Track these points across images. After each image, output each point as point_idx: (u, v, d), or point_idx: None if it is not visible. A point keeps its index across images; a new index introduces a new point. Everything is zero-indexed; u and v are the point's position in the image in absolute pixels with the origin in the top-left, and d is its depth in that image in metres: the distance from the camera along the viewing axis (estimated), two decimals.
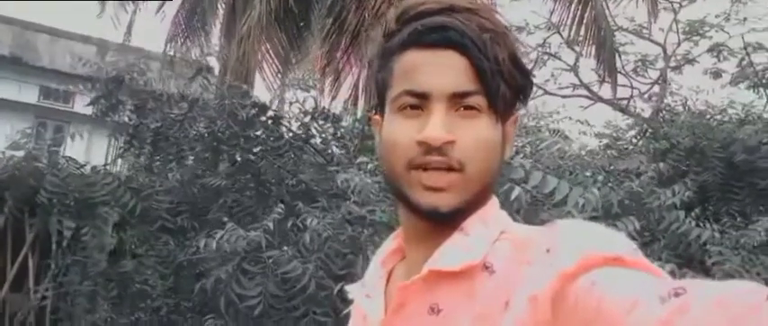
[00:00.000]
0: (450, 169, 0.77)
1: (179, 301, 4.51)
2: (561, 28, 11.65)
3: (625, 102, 13.82)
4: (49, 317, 5.23)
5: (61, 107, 15.99)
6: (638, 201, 4.17)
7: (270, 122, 4.73)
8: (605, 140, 6.93)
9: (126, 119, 5.07)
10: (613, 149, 6.29)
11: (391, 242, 0.93)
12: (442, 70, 0.78)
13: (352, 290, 0.95)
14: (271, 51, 8.91)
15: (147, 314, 4.45)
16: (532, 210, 2.55)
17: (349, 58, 7.78)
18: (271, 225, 3.55)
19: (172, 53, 10.92)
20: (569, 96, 15.23)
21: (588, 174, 4.25)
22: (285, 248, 3.63)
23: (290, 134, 4.86)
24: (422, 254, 0.81)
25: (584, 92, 15.03)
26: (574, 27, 8.38)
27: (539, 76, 15.84)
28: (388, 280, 0.90)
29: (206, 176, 4.60)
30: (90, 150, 12.94)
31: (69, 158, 5.00)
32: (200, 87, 4.73)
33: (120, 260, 4.57)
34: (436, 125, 0.76)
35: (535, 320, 0.66)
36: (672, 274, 3.16)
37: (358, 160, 3.60)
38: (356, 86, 7.64)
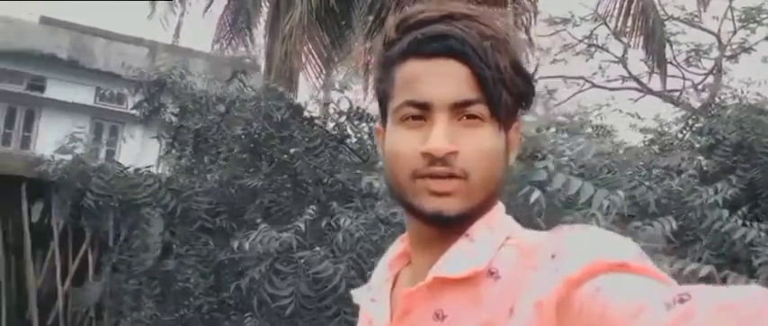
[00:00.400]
0: (453, 176, 0.77)
1: (221, 299, 4.63)
2: (608, 19, 11.37)
3: (677, 94, 13.41)
4: (106, 313, 5.48)
5: (116, 108, 16.56)
6: (678, 199, 4.05)
7: (305, 123, 4.80)
8: (650, 136, 6.74)
9: (169, 120, 5.22)
10: (657, 145, 6.11)
11: (398, 246, 0.93)
12: (442, 80, 0.78)
13: (357, 294, 0.95)
14: (313, 51, 9.00)
15: (190, 312, 4.58)
16: (554, 213, 2.51)
17: None
18: (302, 226, 3.61)
19: (218, 53, 11.16)
20: (618, 89, 14.87)
21: (629, 172, 4.16)
22: (318, 248, 3.68)
23: (325, 134, 4.91)
24: (427, 259, 0.81)
25: (634, 84, 14.65)
26: (621, 18, 8.19)
27: (585, 69, 15.52)
28: (394, 284, 0.90)
29: (244, 176, 4.69)
30: (143, 150, 13.41)
31: (114, 160, 5.19)
32: (236, 90, 4.82)
33: (163, 259, 4.72)
34: (439, 136, 0.76)
35: None
36: (710, 277, 3.07)
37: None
38: None
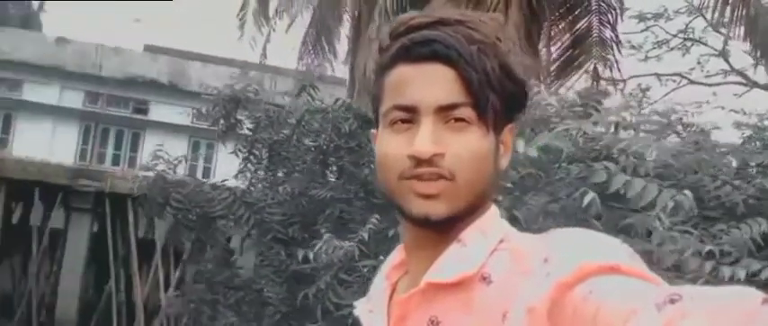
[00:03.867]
0: (440, 177, 0.77)
1: (297, 308, 4.71)
2: (704, 10, 10.70)
3: None
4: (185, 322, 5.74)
5: (212, 127, 17.37)
6: None
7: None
8: (748, 132, 6.21)
9: (245, 135, 5.41)
10: (757, 141, 5.63)
11: (396, 255, 0.93)
12: (429, 83, 0.78)
13: (358, 305, 0.96)
14: None
15: (266, 321, 4.69)
16: (614, 215, 2.36)
17: None
18: (365, 235, 3.61)
19: (303, 70, 11.43)
20: (719, 84, 13.93)
21: (715, 170, 3.85)
22: (381, 257, 3.66)
23: None
24: (422, 266, 0.81)
25: (738, 78, 13.68)
26: (718, 8, 7.68)
27: (682, 65, 14.65)
28: (392, 293, 0.90)
29: (314, 187, 4.77)
30: (236, 166, 14.01)
31: (191, 176, 5.43)
32: (304, 103, 4.92)
33: (238, 270, 4.87)
34: (425, 139, 0.76)
35: None
36: None
37: None
38: None
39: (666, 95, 13.80)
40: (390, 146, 0.80)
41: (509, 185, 2.40)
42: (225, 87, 5.39)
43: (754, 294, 0.53)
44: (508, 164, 0.89)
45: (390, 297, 0.89)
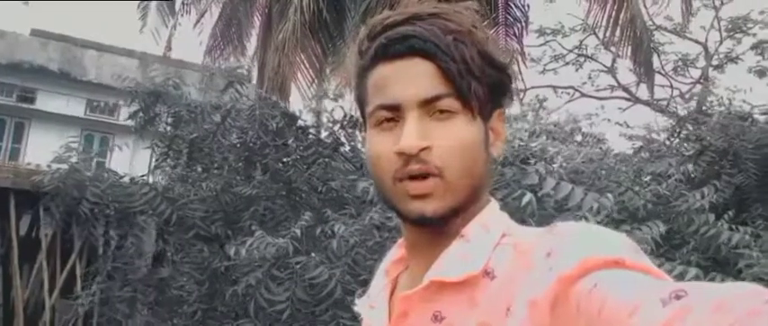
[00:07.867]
0: (430, 175, 0.77)
1: (214, 306, 4.65)
2: (597, 29, 11.51)
3: (665, 102, 13.60)
4: (96, 321, 5.48)
5: (106, 119, 16.54)
6: (666, 204, 4.13)
7: (299, 131, 4.85)
8: (638, 143, 6.83)
9: (164, 130, 5.25)
10: (647, 152, 6.19)
11: (395, 251, 0.94)
12: (409, 79, 0.78)
13: (359, 303, 0.95)
14: (305, 61, 9.02)
15: (183, 319, 4.60)
16: (546, 215, 2.58)
17: None
18: (298, 232, 3.66)
19: (210, 64, 11.14)
20: (607, 98, 15.07)
21: (620, 177, 4.24)
22: (313, 254, 3.73)
23: (319, 143, 4.97)
24: (424, 262, 0.81)
25: (623, 93, 14.85)
26: (609, 28, 8.29)
27: (575, 79, 15.74)
28: (393, 289, 0.90)
29: (238, 184, 4.73)
30: (134, 160, 13.39)
31: (110, 169, 5.22)
32: (230, 100, 4.87)
33: (158, 267, 4.74)
34: (410, 134, 0.77)
35: (535, 325, 0.66)
36: (697, 279, 3.14)
37: None
38: None
39: (561, 106, 14.75)
40: (379, 146, 0.80)
41: None
42: (144, 80, 5.21)
43: (760, 291, 0.53)
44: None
45: (391, 293, 0.89)
